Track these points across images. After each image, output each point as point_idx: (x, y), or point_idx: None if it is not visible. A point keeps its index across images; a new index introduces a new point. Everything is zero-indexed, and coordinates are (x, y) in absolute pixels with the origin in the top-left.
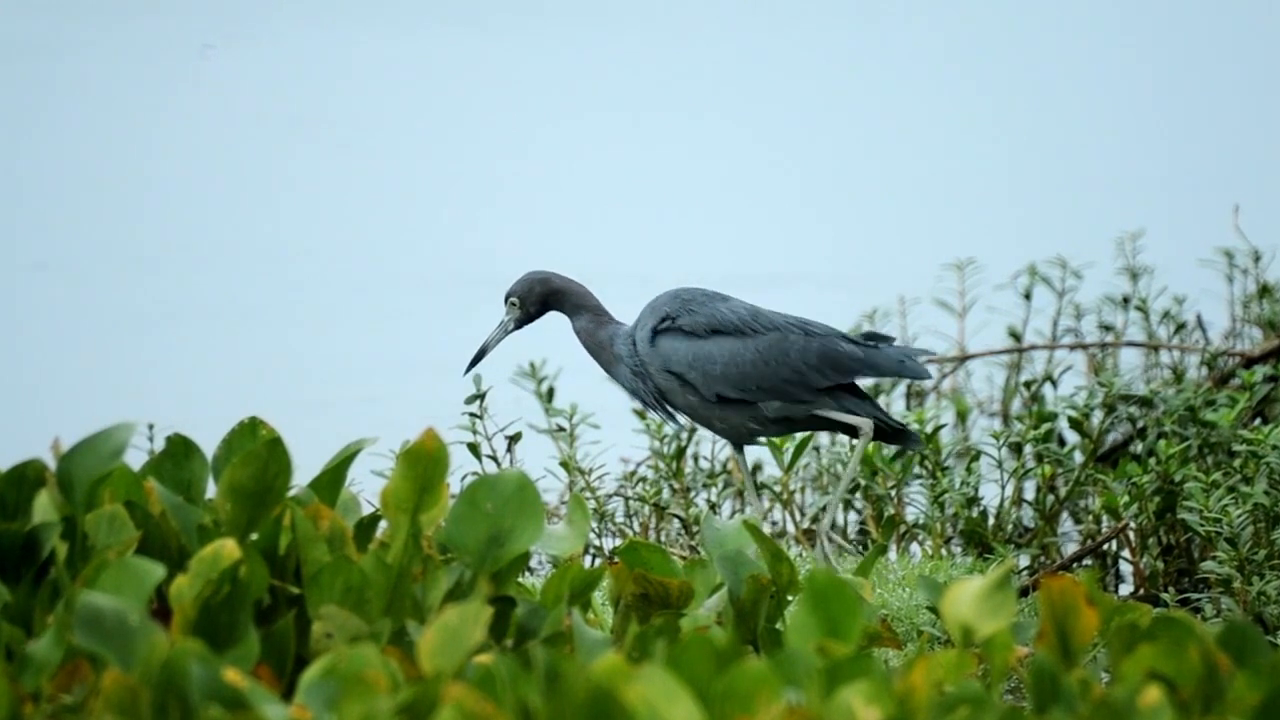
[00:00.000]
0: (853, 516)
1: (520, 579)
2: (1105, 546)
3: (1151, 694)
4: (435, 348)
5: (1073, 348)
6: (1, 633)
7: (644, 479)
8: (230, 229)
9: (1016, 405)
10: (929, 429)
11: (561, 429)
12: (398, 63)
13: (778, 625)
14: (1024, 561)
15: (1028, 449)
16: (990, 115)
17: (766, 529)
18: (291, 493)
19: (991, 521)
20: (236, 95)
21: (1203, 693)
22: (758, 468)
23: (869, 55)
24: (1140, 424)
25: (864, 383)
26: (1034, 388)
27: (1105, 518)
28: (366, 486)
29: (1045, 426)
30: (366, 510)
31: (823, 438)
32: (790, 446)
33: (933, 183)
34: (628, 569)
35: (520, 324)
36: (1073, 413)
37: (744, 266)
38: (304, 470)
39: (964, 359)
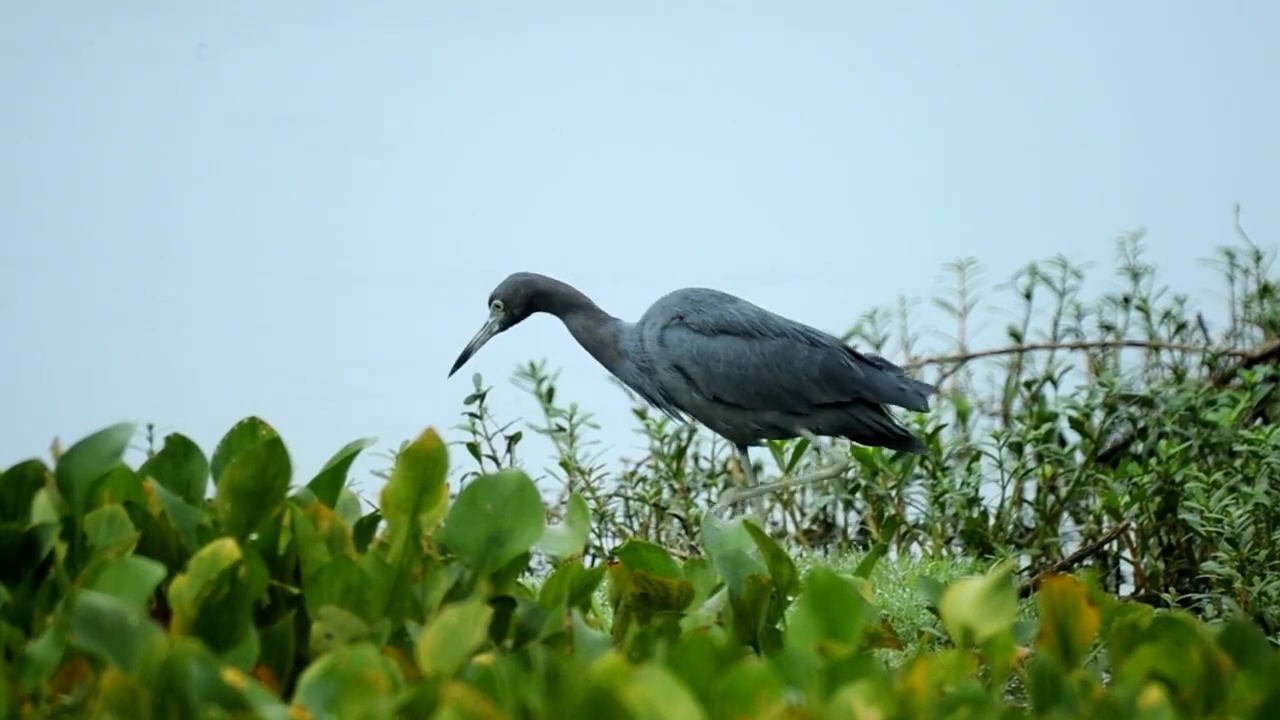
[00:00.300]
0: (853, 516)
1: (520, 579)
2: (1106, 547)
3: (1152, 694)
4: (435, 348)
5: (1073, 348)
6: (1, 633)
7: (644, 479)
8: (230, 228)
9: (1017, 405)
10: (929, 429)
11: (561, 429)
12: (395, 61)
13: (778, 625)
14: (1025, 562)
15: (1028, 449)
16: (990, 115)
17: (767, 529)
18: (291, 493)
19: (992, 522)
20: (234, 94)
21: (1204, 693)
22: (758, 468)
23: (870, 55)
24: (1141, 424)
25: None
26: (1034, 388)
27: (1106, 518)
28: (366, 486)
29: (1046, 426)
30: (366, 510)
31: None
32: (790, 446)
33: (933, 182)
34: (628, 569)
35: (505, 326)
36: (1073, 413)
37: (744, 266)
38: (304, 470)
39: (964, 359)
